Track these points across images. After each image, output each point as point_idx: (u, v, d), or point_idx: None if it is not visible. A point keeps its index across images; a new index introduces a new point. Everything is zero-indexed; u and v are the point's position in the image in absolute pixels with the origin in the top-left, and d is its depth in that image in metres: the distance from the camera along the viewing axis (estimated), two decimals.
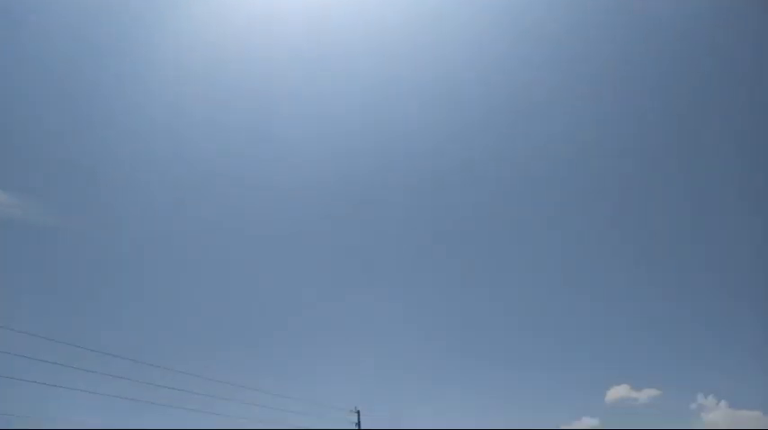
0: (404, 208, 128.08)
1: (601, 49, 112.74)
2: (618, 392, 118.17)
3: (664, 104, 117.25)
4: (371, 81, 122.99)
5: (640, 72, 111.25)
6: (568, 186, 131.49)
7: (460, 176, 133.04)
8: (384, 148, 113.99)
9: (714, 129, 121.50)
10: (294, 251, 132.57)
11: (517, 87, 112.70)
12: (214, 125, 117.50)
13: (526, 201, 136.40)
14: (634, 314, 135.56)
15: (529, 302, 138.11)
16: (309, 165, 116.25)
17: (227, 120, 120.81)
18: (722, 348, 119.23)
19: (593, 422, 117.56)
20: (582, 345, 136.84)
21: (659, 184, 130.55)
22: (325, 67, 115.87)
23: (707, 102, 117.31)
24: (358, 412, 47.44)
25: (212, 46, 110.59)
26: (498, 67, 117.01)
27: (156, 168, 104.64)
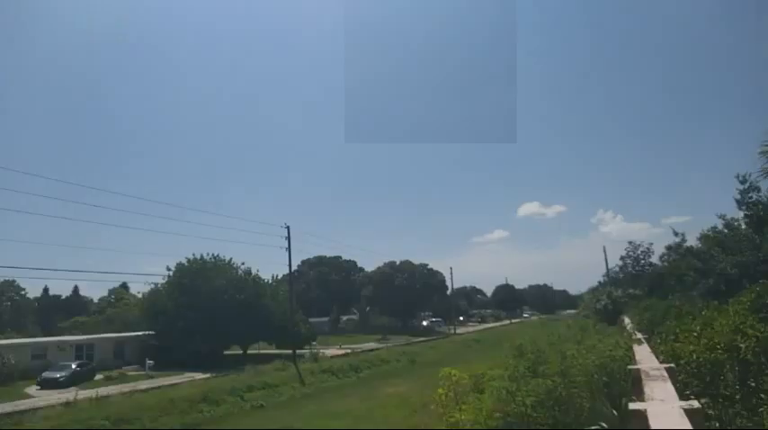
0: None
1: None
2: (529, 208, 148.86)
3: None
4: None
5: None
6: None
7: None
8: None
9: None
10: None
11: None
12: None
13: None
14: (544, 136, 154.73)
15: (447, 121, 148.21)
16: None
17: None
18: (620, 168, 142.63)
19: (505, 234, 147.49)
20: (497, 166, 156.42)
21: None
22: None
23: None
24: (288, 227, 49.32)
25: None
26: None
27: None
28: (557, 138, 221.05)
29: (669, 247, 42.20)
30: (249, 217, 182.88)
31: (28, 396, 32.86)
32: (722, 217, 35.02)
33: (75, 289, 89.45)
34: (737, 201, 30.91)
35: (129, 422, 25.50)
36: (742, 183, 30.62)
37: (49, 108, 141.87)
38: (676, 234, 41.93)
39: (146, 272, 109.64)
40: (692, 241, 40.71)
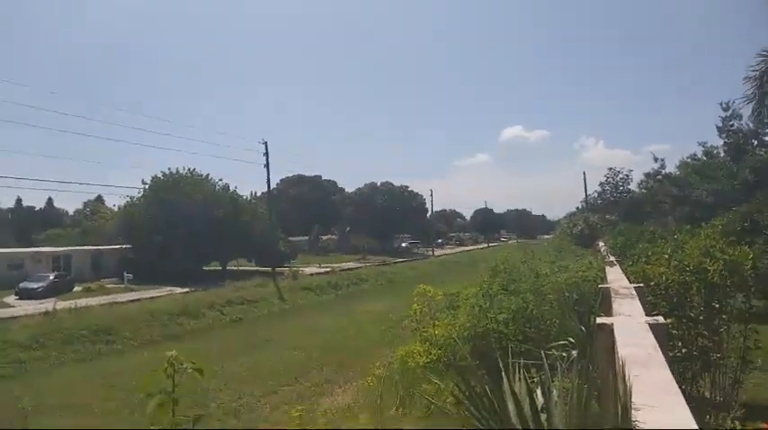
0: None
1: None
2: (511, 132, 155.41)
3: None
4: None
5: None
6: None
7: None
8: None
9: None
10: None
11: None
12: None
13: None
14: (529, 62, 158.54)
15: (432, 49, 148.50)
16: None
17: None
18: (605, 93, 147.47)
19: (486, 158, 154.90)
20: (480, 88, 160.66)
21: None
22: None
23: None
24: (266, 143, 48.93)
25: None
26: None
27: None
28: (543, 60, 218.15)
29: (648, 174, 42.56)
30: (225, 131, 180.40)
31: (7, 305, 33.12)
32: (702, 144, 35.38)
33: (50, 200, 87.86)
34: (719, 129, 31.23)
35: (110, 333, 25.92)
36: (725, 110, 30.60)
37: (25, 17, 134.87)
38: (656, 159, 42.13)
39: (121, 184, 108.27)
40: (671, 169, 41.13)
